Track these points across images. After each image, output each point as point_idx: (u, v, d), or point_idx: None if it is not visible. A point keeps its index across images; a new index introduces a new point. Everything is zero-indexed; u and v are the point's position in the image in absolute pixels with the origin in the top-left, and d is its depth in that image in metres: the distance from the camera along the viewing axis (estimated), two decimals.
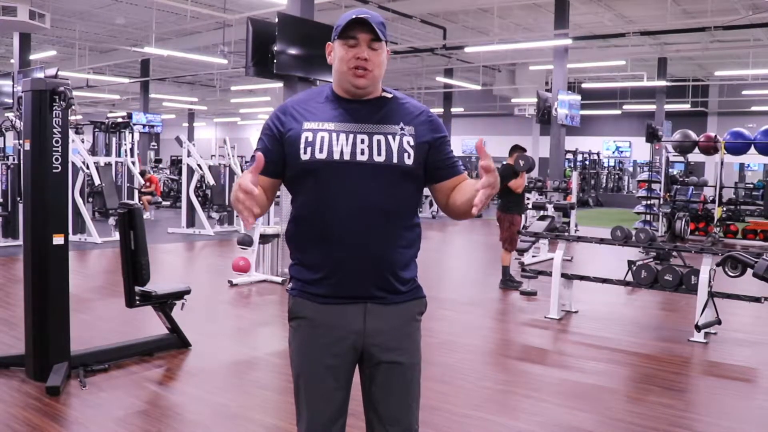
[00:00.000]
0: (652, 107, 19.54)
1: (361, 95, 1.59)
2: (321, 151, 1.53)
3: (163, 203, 15.19)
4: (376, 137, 1.55)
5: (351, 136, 1.55)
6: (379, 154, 1.54)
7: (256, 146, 1.66)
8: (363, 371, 1.65)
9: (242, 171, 11.86)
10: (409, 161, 1.56)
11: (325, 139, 1.54)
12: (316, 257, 1.58)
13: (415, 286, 1.66)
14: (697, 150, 10.36)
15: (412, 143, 1.57)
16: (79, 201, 9.11)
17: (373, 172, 1.54)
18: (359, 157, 1.53)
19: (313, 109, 1.59)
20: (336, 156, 1.53)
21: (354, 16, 1.54)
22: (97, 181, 9.43)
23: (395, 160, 1.55)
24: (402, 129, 1.58)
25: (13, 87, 10.27)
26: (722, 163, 10.27)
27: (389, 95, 1.64)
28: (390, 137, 1.56)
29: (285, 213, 6.55)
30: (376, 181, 1.54)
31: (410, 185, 1.60)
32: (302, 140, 1.55)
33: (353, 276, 1.56)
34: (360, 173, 1.53)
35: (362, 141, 1.54)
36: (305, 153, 1.54)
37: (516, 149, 6.61)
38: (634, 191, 18.44)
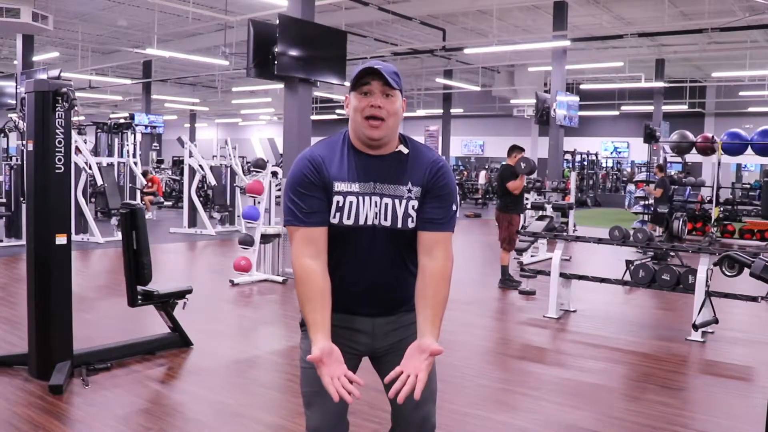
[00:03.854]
0: (649, 108, 19.59)
1: (376, 146, 1.62)
2: (348, 217, 1.61)
3: (165, 203, 15.22)
4: (385, 200, 1.62)
5: (373, 199, 1.62)
6: (385, 218, 1.62)
7: (298, 203, 1.60)
8: (375, 366, 1.79)
9: (244, 172, 11.64)
10: (411, 225, 1.63)
11: (353, 204, 1.61)
12: (333, 287, 1.64)
13: None
14: (694, 151, 10.40)
15: (415, 207, 1.63)
16: (82, 201, 9.14)
17: (386, 233, 1.64)
18: (374, 221, 1.63)
19: (337, 166, 1.62)
20: (361, 222, 1.62)
21: (366, 66, 1.58)
22: (99, 182, 9.48)
23: (399, 226, 1.62)
24: (409, 191, 1.63)
25: (16, 88, 10.32)
26: (719, 164, 10.30)
27: (405, 151, 1.65)
28: (397, 201, 1.62)
29: None
30: (388, 240, 1.64)
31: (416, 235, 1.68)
32: (333, 204, 1.61)
33: (364, 307, 1.71)
34: (375, 233, 1.63)
35: (376, 204, 1.62)
36: (334, 217, 1.61)
37: (515, 149, 6.65)
38: (630, 191, 18.51)
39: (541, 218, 6.41)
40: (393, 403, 1.73)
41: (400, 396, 1.45)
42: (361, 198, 1.61)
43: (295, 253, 1.60)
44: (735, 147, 10.18)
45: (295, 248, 1.61)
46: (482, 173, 20.51)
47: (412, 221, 1.63)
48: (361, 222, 1.61)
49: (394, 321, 1.73)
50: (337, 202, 1.60)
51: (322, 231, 1.60)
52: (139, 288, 3.84)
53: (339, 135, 1.67)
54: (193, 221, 10.74)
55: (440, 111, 22.14)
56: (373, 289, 1.68)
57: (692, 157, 11.21)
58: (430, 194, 1.63)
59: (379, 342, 1.74)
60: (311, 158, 1.62)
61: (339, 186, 1.60)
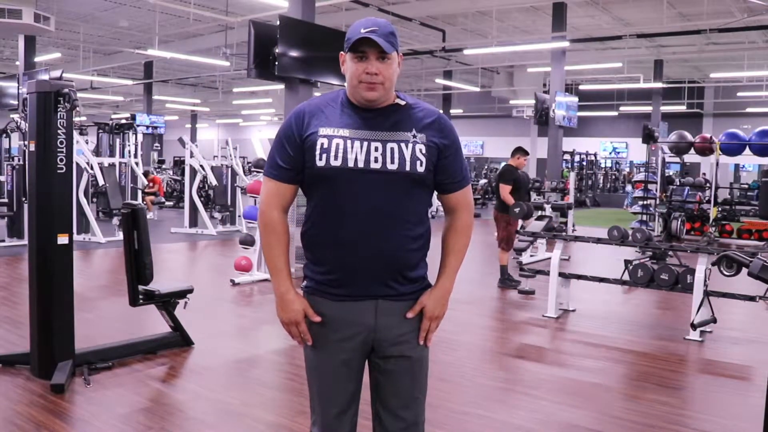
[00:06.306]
0: (648, 109, 19.65)
1: (374, 106, 1.62)
2: (336, 158, 1.56)
3: (166, 203, 15.25)
4: (389, 145, 1.58)
5: (365, 143, 1.58)
6: (392, 161, 1.57)
7: (275, 154, 1.65)
8: (372, 364, 1.71)
9: (244, 172, 11.68)
10: (421, 168, 1.59)
11: (340, 146, 1.57)
12: (330, 259, 1.63)
13: (426, 284, 1.72)
14: (692, 151, 10.43)
15: (424, 151, 1.60)
16: (84, 201, 9.16)
17: (386, 179, 1.57)
18: (373, 165, 1.57)
19: (328, 115, 1.62)
20: (350, 163, 1.56)
21: (362, 31, 1.55)
22: (101, 182, 9.50)
23: (408, 168, 1.58)
24: (414, 136, 1.60)
25: (18, 89, 10.33)
26: (717, 164, 10.32)
27: (402, 102, 1.66)
28: (403, 145, 1.59)
29: (289, 214, 6.62)
30: (389, 188, 1.58)
31: (421, 190, 1.64)
32: (318, 147, 1.58)
33: (366, 277, 1.61)
34: (373, 180, 1.57)
35: (376, 149, 1.57)
36: (320, 159, 1.57)
37: (518, 151, 6.70)
38: (627, 191, 18.49)
39: (540, 218, 6.43)
40: (379, 404, 1.72)
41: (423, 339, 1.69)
42: (350, 141, 1.57)
43: (265, 201, 1.67)
44: (733, 147, 10.20)
45: (265, 198, 1.68)
46: (481, 182, 20.48)
47: (421, 165, 1.59)
48: (350, 164, 1.56)
49: (400, 308, 1.64)
50: (322, 144, 1.57)
51: (291, 189, 1.66)
52: (141, 287, 3.85)
53: (337, 92, 1.69)
54: (194, 221, 10.77)
55: (440, 112, 22.17)
56: (373, 250, 1.58)
57: (691, 157, 11.23)
58: (441, 155, 1.64)
59: (382, 333, 1.64)
60: (298, 113, 1.65)
61: (324, 131, 1.59)
